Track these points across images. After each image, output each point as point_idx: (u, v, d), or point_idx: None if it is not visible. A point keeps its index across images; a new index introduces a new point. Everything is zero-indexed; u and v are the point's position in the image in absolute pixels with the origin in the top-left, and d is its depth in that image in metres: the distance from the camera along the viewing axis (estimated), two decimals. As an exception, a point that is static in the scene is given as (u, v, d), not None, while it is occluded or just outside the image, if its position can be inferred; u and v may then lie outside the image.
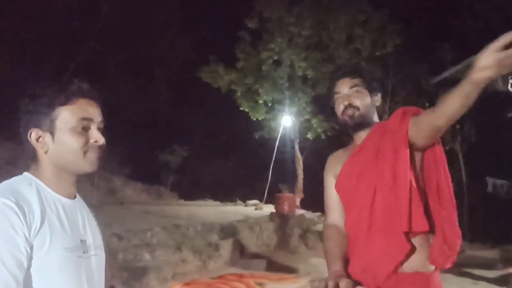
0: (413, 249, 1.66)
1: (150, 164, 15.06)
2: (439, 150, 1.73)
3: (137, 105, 14.80)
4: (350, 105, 1.83)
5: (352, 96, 1.83)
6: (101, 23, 12.94)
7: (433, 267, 1.68)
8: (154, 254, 6.39)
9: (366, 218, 1.73)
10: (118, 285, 5.12)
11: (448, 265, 1.68)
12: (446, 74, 7.72)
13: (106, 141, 1.27)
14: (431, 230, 1.67)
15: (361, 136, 1.87)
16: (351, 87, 1.84)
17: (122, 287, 5.28)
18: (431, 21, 14.58)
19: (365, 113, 1.84)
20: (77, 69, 12.38)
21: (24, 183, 1.22)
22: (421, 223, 1.65)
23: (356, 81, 1.85)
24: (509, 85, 5.93)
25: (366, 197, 1.74)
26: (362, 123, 1.84)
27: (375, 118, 1.91)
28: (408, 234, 1.66)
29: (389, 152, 1.73)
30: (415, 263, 1.66)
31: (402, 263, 1.65)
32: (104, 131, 1.28)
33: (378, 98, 1.91)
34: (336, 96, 1.88)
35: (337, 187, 1.89)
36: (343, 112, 1.85)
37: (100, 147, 1.26)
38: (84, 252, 1.25)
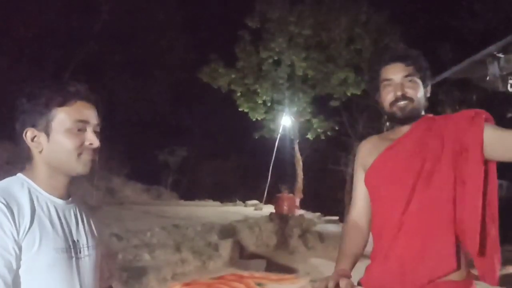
0: (458, 260, 1.49)
1: (149, 164, 15.05)
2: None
3: (136, 105, 14.80)
4: (403, 96, 1.61)
5: (405, 86, 1.62)
6: (100, 23, 12.93)
7: (464, 274, 1.54)
8: (154, 254, 6.39)
9: (397, 218, 1.55)
10: (117, 285, 5.11)
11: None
12: (446, 74, 7.70)
13: (105, 142, 1.27)
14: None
15: (403, 128, 1.67)
16: (406, 76, 1.62)
17: (122, 287, 5.27)
18: (431, 21, 14.58)
19: (418, 106, 1.63)
20: (76, 69, 12.38)
21: (16, 184, 1.22)
22: (477, 234, 1.48)
23: (411, 69, 1.62)
24: (509, 85, 5.92)
25: (400, 195, 1.56)
26: (412, 116, 1.63)
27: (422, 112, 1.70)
28: (458, 244, 1.49)
29: (448, 151, 1.53)
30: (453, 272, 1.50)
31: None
32: (100, 134, 1.28)
33: (429, 89, 1.70)
34: (385, 83, 1.65)
35: (366, 180, 1.69)
36: (393, 102, 1.62)
37: (94, 150, 1.26)
38: (76, 253, 1.25)
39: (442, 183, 1.52)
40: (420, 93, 1.63)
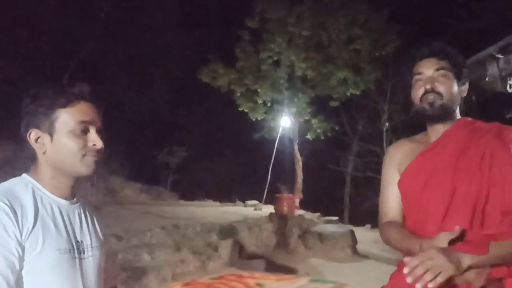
0: None
1: (149, 165, 15.04)
2: None
3: (136, 105, 14.79)
4: (432, 90, 1.52)
5: (436, 80, 1.53)
6: (100, 22, 12.92)
7: None
8: (154, 254, 6.39)
9: (435, 225, 1.45)
10: (118, 285, 5.12)
11: None
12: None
13: (105, 144, 1.27)
14: None
15: (437, 129, 1.57)
16: (437, 70, 1.54)
17: (122, 287, 5.28)
18: (430, 21, 14.60)
19: (448, 102, 1.53)
20: (76, 69, 12.38)
21: (21, 184, 1.23)
22: None
23: (444, 63, 1.54)
24: (509, 86, 5.92)
25: (436, 204, 1.46)
26: (442, 114, 1.54)
27: (457, 112, 1.60)
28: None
29: (487, 170, 1.43)
30: None
31: None
32: (103, 135, 1.29)
33: (465, 88, 1.60)
34: (416, 77, 1.57)
35: (400, 184, 1.61)
36: (422, 97, 1.54)
37: (98, 150, 1.27)
38: (80, 254, 1.26)
39: (485, 198, 1.43)
40: (452, 89, 1.54)
